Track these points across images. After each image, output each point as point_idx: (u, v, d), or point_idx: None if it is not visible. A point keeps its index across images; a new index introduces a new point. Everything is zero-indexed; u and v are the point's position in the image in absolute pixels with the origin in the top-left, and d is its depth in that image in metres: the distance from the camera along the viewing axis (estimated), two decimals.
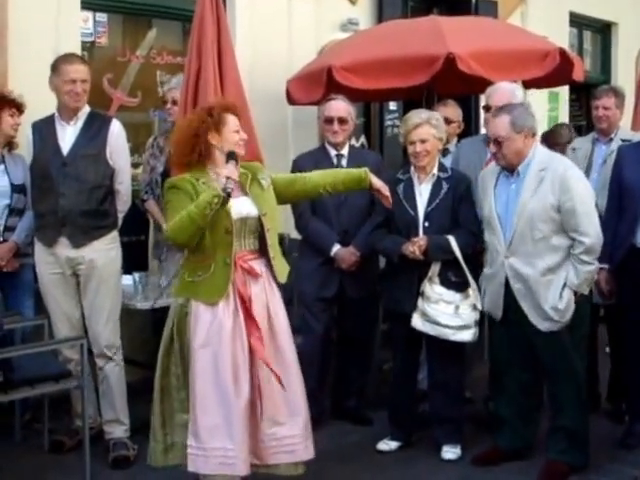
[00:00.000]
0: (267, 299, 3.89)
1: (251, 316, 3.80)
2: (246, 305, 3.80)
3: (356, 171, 4.22)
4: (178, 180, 3.84)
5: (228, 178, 3.69)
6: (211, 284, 3.76)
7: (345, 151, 5.18)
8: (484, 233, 4.50)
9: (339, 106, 5.12)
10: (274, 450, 3.86)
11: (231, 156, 3.79)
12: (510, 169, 4.35)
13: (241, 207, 3.82)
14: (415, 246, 4.48)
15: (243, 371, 3.74)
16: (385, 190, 4.15)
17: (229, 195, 3.66)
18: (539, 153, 4.36)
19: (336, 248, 5.02)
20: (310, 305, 5.13)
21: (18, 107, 5.02)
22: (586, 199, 4.24)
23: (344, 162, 5.15)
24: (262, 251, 3.92)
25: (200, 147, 3.81)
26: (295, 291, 5.53)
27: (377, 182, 4.15)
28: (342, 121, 5.11)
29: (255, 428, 3.80)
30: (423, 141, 4.56)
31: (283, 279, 3.95)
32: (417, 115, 4.64)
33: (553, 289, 4.23)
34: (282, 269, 3.96)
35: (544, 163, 4.30)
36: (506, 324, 4.43)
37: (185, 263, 3.91)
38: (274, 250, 3.91)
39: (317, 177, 4.17)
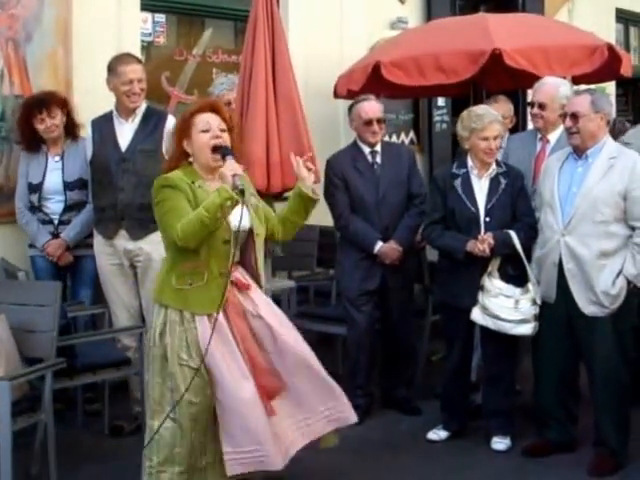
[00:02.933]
0: (258, 307, 3.72)
1: (241, 328, 3.66)
2: (234, 317, 3.65)
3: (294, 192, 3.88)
4: (174, 179, 3.58)
5: (234, 175, 3.40)
6: (205, 294, 3.56)
7: (379, 147, 5.21)
8: (540, 216, 4.53)
9: (375, 107, 5.14)
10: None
11: (226, 151, 3.53)
12: (580, 150, 4.40)
13: (239, 218, 3.52)
14: (485, 244, 4.47)
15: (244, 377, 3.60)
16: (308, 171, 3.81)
17: (243, 192, 3.40)
18: (610, 142, 4.44)
19: (379, 245, 5.07)
20: (353, 299, 5.17)
21: (48, 106, 4.96)
22: None
23: (378, 158, 5.19)
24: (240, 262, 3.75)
25: (177, 154, 3.68)
26: (338, 286, 5.59)
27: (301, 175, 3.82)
28: (380, 121, 5.14)
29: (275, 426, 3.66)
30: (496, 137, 4.59)
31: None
32: (489, 111, 4.67)
33: (606, 273, 4.27)
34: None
35: (615, 152, 4.38)
36: (551, 307, 4.45)
37: (171, 267, 3.64)
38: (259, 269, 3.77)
39: (283, 211, 3.94)
